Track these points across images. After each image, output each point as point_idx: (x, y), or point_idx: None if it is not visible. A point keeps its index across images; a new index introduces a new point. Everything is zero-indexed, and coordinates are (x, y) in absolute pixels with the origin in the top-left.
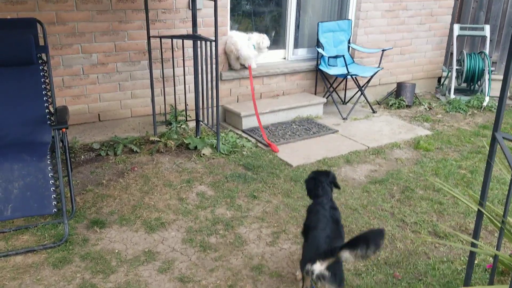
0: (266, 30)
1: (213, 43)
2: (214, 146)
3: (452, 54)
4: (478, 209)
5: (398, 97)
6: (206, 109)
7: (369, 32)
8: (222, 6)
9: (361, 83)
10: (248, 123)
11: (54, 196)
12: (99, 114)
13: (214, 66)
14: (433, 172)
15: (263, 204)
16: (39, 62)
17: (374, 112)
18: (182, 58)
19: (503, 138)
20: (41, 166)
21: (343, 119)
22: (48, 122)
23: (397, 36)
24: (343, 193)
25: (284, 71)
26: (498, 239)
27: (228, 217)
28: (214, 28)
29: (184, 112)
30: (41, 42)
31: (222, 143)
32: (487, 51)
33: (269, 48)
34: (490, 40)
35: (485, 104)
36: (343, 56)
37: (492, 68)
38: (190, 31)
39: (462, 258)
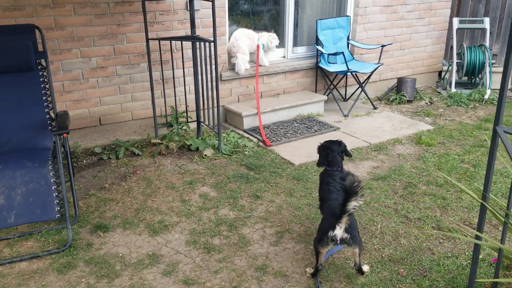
0: (265, 29)
1: (212, 44)
2: (215, 147)
3: (452, 47)
4: (482, 203)
5: (399, 92)
6: (206, 110)
7: (368, 28)
8: (220, 6)
9: (361, 80)
10: (249, 122)
11: (57, 202)
12: (100, 118)
13: (213, 66)
14: (435, 167)
15: (266, 204)
16: (39, 68)
17: (375, 108)
18: (181, 59)
19: (504, 132)
20: (43, 172)
21: (344, 116)
22: (49, 127)
23: (396, 31)
24: None
25: (284, 69)
26: (502, 232)
27: (232, 218)
28: (212, 29)
29: (185, 114)
30: (40, 48)
31: (224, 144)
32: (487, 43)
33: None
34: (490, 33)
35: (486, 97)
36: (343, 53)
37: (493, 61)
38: (188, 32)
39: (466, 253)
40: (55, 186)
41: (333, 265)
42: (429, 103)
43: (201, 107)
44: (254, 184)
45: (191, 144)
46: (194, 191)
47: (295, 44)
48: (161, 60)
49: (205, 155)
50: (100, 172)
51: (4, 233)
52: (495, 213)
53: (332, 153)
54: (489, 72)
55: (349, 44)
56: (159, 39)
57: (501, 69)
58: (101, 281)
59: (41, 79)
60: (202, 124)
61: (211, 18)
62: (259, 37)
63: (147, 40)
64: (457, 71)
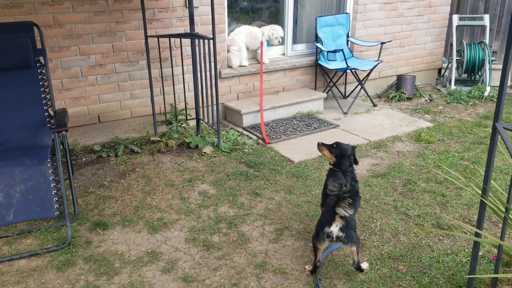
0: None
1: (211, 41)
2: (215, 145)
3: (451, 44)
4: (481, 200)
5: (399, 89)
6: (206, 107)
7: (367, 25)
8: (219, 3)
9: (361, 77)
10: (249, 120)
11: (56, 199)
12: (99, 116)
13: (213, 64)
14: (435, 164)
15: (266, 201)
16: (37, 65)
17: (374, 105)
18: (180, 57)
19: (504, 128)
20: (42, 170)
21: (344, 113)
22: (48, 125)
23: (396, 28)
24: None
25: (283, 67)
26: (502, 228)
27: (231, 215)
28: (211, 26)
29: (184, 111)
30: (39, 45)
31: (223, 141)
32: (487, 40)
33: (267, 44)
34: (490, 30)
35: (486, 94)
36: (342, 50)
37: (493, 58)
38: (187, 29)
39: (466, 250)
40: (54, 184)
41: (333, 262)
42: (428, 100)
43: (201, 105)
44: (254, 182)
45: (190, 142)
46: (193, 189)
47: (295, 41)
48: (160, 58)
49: (205, 152)
50: (99, 170)
51: (3, 231)
52: (495, 209)
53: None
54: (489, 69)
55: (349, 42)
56: (158, 37)
57: (500, 66)
58: (100, 278)
59: (39, 77)
60: (201, 121)
61: (210, 15)
62: (262, 33)
63: (146, 37)
64: (457, 68)
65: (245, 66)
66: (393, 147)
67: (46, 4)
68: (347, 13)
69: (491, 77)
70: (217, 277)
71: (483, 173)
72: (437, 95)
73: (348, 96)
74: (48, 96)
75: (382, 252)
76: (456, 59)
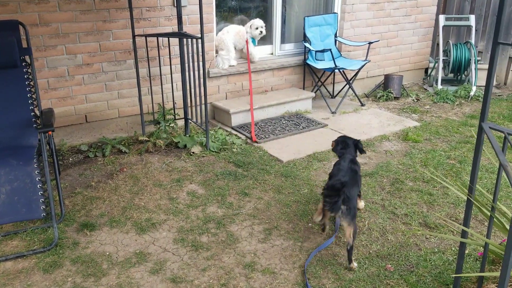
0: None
1: (200, 40)
2: (203, 144)
3: (438, 44)
4: (468, 198)
5: (386, 89)
6: (194, 107)
7: (355, 25)
8: (208, 2)
9: (349, 77)
10: (238, 119)
11: (42, 200)
12: (86, 116)
13: (201, 63)
14: (422, 163)
15: (254, 201)
16: (23, 64)
17: (362, 105)
18: (168, 56)
19: (490, 128)
20: (28, 170)
21: (332, 113)
22: (34, 125)
23: (383, 28)
24: None
25: (272, 66)
26: (488, 226)
27: (220, 215)
28: (200, 25)
29: (172, 111)
30: (24, 44)
31: (212, 141)
32: (473, 40)
33: (254, 43)
34: (476, 30)
35: (472, 93)
36: (330, 50)
37: (478, 58)
38: (175, 28)
39: (453, 249)
40: (41, 185)
41: (321, 262)
42: (415, 100)
43: (189, 104)
44: (242, 181)
45: (178, 142)
46: (181, 189)
47: (283, 41)
48: (148, 57)
49: (193, 152)
50: (87, 170)
51: None
52: (482, 208)
53: (346, 145)
54: (475, 69)
55: (337, 41)
56: (146, 36)
57: (486, 66)
58: (88, 280)
59: (25, 76)
60: (189, 121)
61: (199, 15)
62: (246, 32)
63: (134, 36)
64: (443, 68)
65: (233, 66)
66: (380, 146)
67: (32, 2)
68: (335, 13)
69: (477, 76)
70: (206, 278)
71: (469, 172)
72: (424, 94)
73: (336, 95)
74: (34, 96)
75: (370, 251)
76: (443, 59)
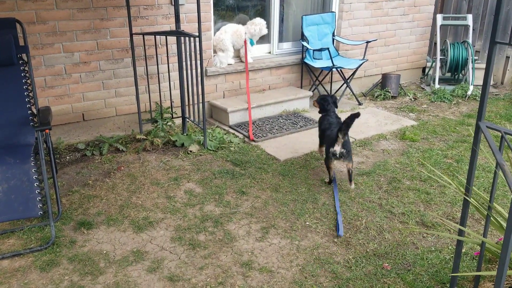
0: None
1: (197, 39)
2: (201, 143)
3: (435, 44)
4: (465, 197)
5: (383, 88)
6: (192, 105)
7: (353, 24)
8: (205, 1)
9: (347, 76)
10: (235, 118)
11: (39, 199)
12: (83, 114)
13: (198, 62)
14: (419, 162)
15: (252, 200)
16: (20, 62)
17: (360, 104)
18: (166, 54)
19: (487, 127)
20: (25, 168)
21: None
22: (31, 123)
23: (381, 27)
24: (331, 186)
25: (269, 65)
26: (485, 225)
27: (217, 214)
28: (197, 24)
29: (169, 109)
30: (21, 42)
31: (209, 140)
32: (470, 40)
33: (252, 43)
34: (473, 29)
35: (469, 93)
36: (328, 49)
37: (476, 57)
38: (173, 27)
39: (450, 247)
40: (38, 183)
41: (318, 260)
42: (413, 99)
43: (186, 103)
44: (240, 180)
45: (176, 140)
46: (179, 187)
47: (281, 39)
48: (145, 55)
49: (191, 151)
50: (84, 169)
51: None
52: (479, 207)
53: (328, 102)
54: (472, 68)
55: (334, 40)
56: (143, 34)
57: (483, 65)
58: (85, 278)
59: (22, 74)
60: (187, 120)
61: (196, 13)
62: (245, 31)
63: (131, 34)
64: (441, 67)
65: (231, 64)
66: (378, 145)
67: (29, 0)
68: (333, 12)
69: (474, 76)
70: (203, 276)
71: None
72: (421, 93)
73: (333, 94)
74: (31, 94)
75: (367, 250)
76: (440, 58)
